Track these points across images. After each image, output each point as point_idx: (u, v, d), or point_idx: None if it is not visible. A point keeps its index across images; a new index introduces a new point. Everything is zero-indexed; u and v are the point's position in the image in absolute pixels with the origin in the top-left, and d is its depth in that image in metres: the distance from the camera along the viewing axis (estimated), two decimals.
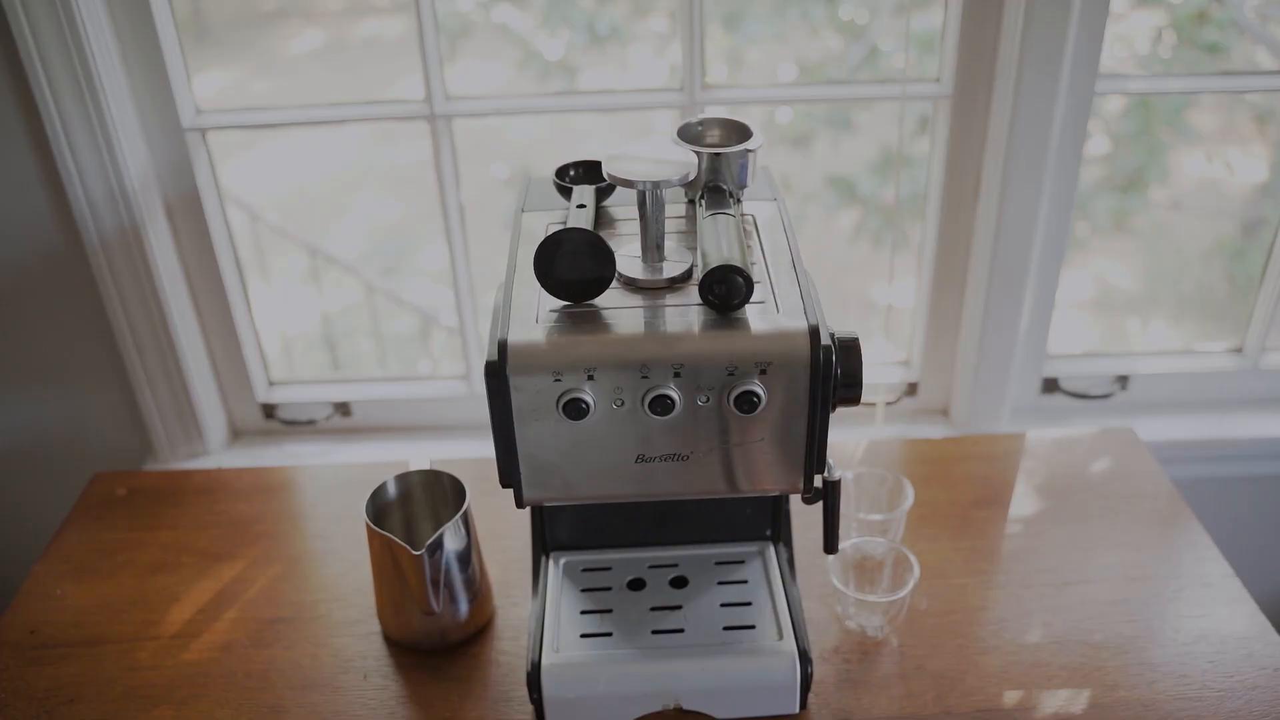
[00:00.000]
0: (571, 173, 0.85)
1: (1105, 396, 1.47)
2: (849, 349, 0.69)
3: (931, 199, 1.34)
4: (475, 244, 1.37)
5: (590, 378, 0.67)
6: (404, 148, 2.75)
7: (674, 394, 0.67)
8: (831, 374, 0.67)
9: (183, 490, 1.21)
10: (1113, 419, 1.45)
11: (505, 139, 2.74)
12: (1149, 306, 2.13)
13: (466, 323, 1.41)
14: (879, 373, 1.45)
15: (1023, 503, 1.16)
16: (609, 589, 0.91)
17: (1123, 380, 1.47)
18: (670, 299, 0.70)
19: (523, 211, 0.82)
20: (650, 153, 0.71)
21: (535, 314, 0.69)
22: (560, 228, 0.67)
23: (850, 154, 2.48)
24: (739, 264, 0.64)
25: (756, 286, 0.71)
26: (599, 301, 0.70)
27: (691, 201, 0.80)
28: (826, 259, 2.40)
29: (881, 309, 1.64)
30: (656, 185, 0.68)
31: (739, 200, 0.79)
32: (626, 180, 0.68)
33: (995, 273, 1.30)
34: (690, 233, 0.78)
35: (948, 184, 1.31)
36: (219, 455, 1.42)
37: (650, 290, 0.71)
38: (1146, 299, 2.17)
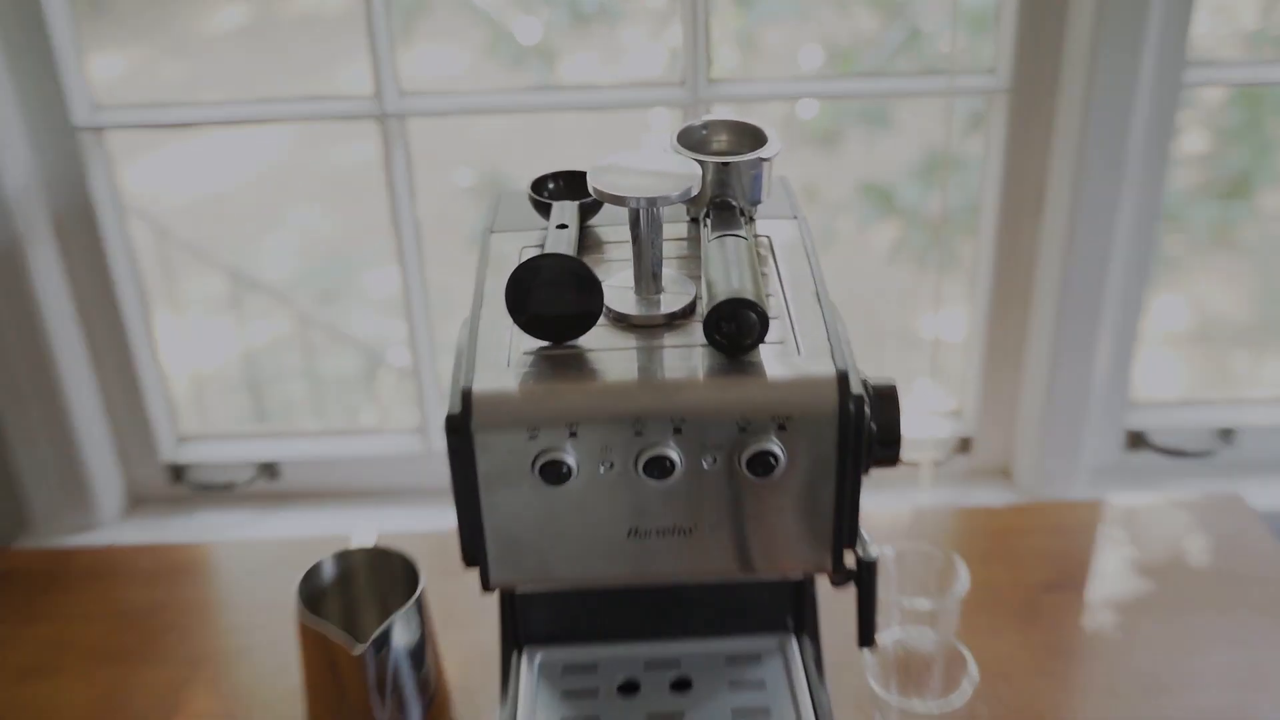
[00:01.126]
0: (551, 185, 0.86)
1: (1206, 454, 1.48)
2: (886, 398, 0.69)
3: (986, 210, 1.36)
4: (434, 267, 1.39)
5: (572, 434, 0.67)
6: (346, 148, 2.78)
7: (674, 455, 0.67)
8: (865, 429, 0.67)
9: (66, 573, 1.21)
10: (1216, 481, 1.45)
11: (470, 139, 2.77)
12: (1259, 340, 2.15)
13: (422, 363, 1.42)
14: (924, 426, 1.46)
15: (1105, 586, 1.16)
16: (595, 693, 0.91)
17: (1227, 434, 1.48)
18: (669, 339, 0.71)
19: (492, 232, 0.83)
20: (645, 163, 0.72)
21: (506, 356, 0.69)
22: (537, 252, 0.68)
23: (888, 155, 2.51)
24: (751, 296, 0.65)
25: (773, 323, 0.71)
26: (583, 342, 0.70)
27: (695, 220, 0.82)
28: (859, 285, 2.41)
29: (926, 346, 1.64)
30: (652, 202, 0.69)
31: (751, 219, 0.80)
32: (616, 196, 0.69)
33: (1065, 300, 1.31)
34: (693, 258, 0.79)
35: (1006, 192, 1.33)
36: (113, 528, 1.42)
37: (645, 328, 0.72)
38: (1256, 331, 2.19)
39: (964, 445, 1.47)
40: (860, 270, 2.44)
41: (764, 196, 0.80)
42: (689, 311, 0.73)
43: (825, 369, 0.68)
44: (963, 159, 1.82)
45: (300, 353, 2.51)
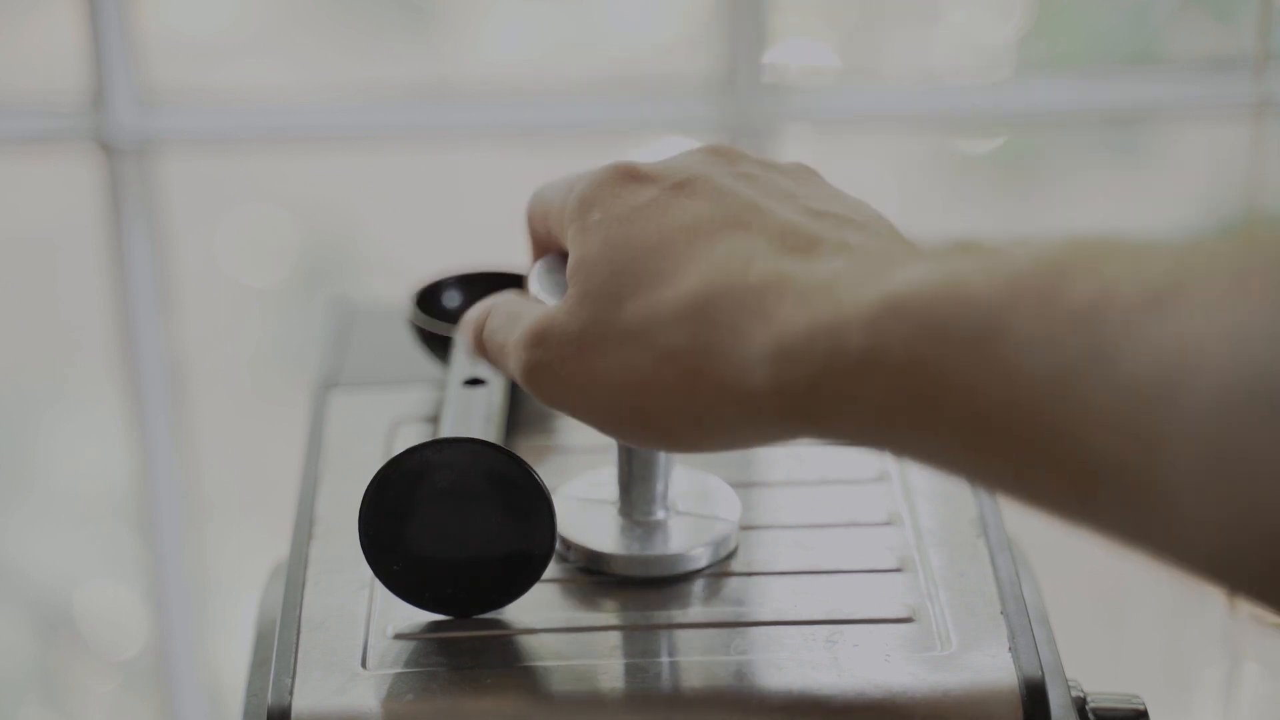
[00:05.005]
0: (452, 298, 0.70)
1: None
2: None
3: None
4: (204, 441, 1.08)
5: None
6: (35, 195, 1.85)
7: None
8: None
9: None
10: None
11: (285, 183, 1.84)
12: None
13: (172, 645, 1.06)
14: None
15: None
16: None
17: None
18: (682, 607, 0.55)
19: (332, 386, 0.67)
20: None
21: (361, 644, 0.53)
22: (426, 434, 0.58)
23: (1135, 211, 1.71)
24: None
25: (897, 579, 0.56)
26: (513, 617, 0.54)
27: None
28: None
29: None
30: None
31: None
32: None
33: None
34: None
35: None
36: None
37: (640, 585, 0.56)
38: None
39: None
40: None
41: None
42: (730, 551, 0.56)
43: (1000, 674, 0.52)
44: None
45: None
